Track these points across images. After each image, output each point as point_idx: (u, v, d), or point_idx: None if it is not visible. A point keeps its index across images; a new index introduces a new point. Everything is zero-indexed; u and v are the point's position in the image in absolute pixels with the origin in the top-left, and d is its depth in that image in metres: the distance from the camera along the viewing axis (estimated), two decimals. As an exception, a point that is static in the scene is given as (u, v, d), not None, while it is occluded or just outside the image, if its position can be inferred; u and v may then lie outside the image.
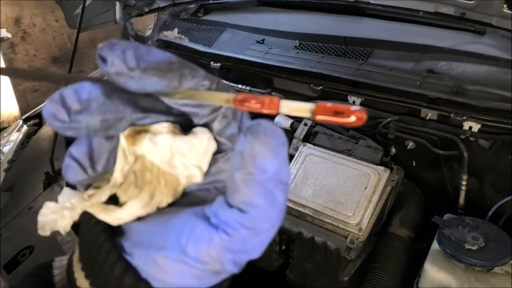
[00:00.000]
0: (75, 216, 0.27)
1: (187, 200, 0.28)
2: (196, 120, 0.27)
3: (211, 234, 0.23)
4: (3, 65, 2.97)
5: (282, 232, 1.17)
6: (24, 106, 3.07)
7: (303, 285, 1.21)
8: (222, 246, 0.23)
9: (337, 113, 0.24)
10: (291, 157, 1.28)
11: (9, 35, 2.95)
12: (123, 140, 0.26)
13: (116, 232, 0.27)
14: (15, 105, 3.10)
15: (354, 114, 0.24)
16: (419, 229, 1.20)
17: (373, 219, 1.10)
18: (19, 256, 1.14)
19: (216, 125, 0.27)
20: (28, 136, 1.57)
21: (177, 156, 0.26)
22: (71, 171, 0.26)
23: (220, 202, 0.24)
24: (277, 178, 0.23)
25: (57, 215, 0.27)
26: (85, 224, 0.27)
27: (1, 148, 1.54)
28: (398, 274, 1.08)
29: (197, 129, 0.27)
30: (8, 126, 1.74)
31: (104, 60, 0.23)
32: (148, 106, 0.26)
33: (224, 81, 0.29)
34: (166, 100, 0.26)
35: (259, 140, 0.24)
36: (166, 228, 0.25)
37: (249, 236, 0.23)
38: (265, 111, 0.25)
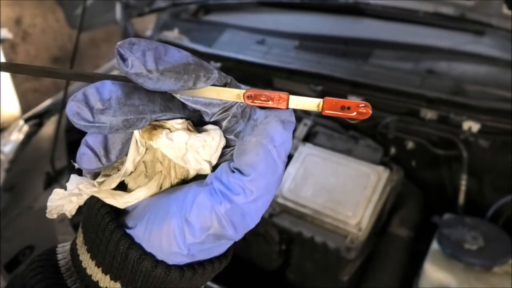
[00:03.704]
0: (82, 201, 0.29)
1: (193, 180, 0.30)
2: (207, 118, 0.29)
3: (213, 198, 0.25)
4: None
5: (282, 232, 1.17)
6: (24, 107, 3.07)
7: (303, 285, 1.21)
8: (224, 210, 0.25)
9: (343, 108, 0.26)
10: (291, 157, 1.28)
11: (10, 36, 2.95)
12: (136, 132, 0.27)
13: (120, 213, 0.29)
14: (16, 105, 3.10)
15: (360, 109, 0.26)
16: (419, 229, 1.20)
17: (372, 218, 1.11)
18: (20, 256, 1.14)
19: (225, 123, 0.29)
20: (28, 136, 1.57)
21: (191, 152, 0.28)
22: (86, 159, 0.27)
23: (224, 167, 0.26)
24: (281, 149, 0.26)
25: (65, 200, 0.28)
26: (89, 209, 0.29)
27: (2, 148, 1.55)
28: (398, 274, 1.09)
29: (209, 127, 0.29)
30: (9, 126, 1.74)
31: (123, 58, 0.24)
32: (165, 102, 0.27)
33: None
34: (179, 96, 0.28)
35: (273, 112, 0.26)
36: (169, 199, 0.27)
37: (249, 199, 0.25)
38: (275, 106, 0.26)
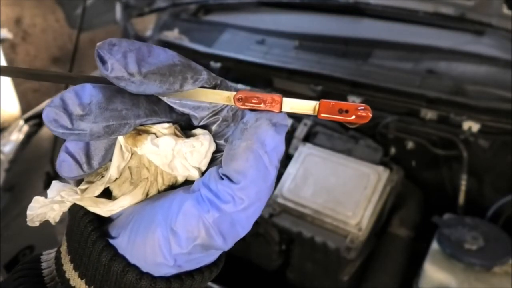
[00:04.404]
0: (65, 208, 0.28)
1: (180, 186, 0.28)
2: (195, 122, 0.27)
3: (200, 206, 0.23)
4: (3, 65, 2.98)
5: (282, 232, 1.17)
6: (24, 107, 3.07)
7: (303, 285, 1.21)
8: (212, 219, 0.23)
9: (341, 111, 0.24)
10: (291, 157, 1.28)
11: (10, 36, 2.95)
12: (121, 138, 0.26)
13: (104, 221, 0.27)
14: (16, 105, 3.10)
15: (359, 112, 0.24)
16: (419, 229, 1.20)
17: (372, 218, 1.11)
18: (20, 256, 1.14)
19: (215, 128, 0.27)
20: (28, 136, 1.57)
21: (178, 158, 0.26)
22: (67, 167, 0.25)
23: (213, 173, 0.24)
24: (273, 154, 0.24)
25: (46, 208, 0.27)
26: (72, 216, 0.27)
27: (2, 148, 1.55)
28: (398, 274, 1.08)
29: (198, 131, 0.27)
30: (9, 126, 1.74)
31: (102, 61, 0.23)
32: (150, 106, 0.25)
33: (228, 82, 0.29)
34: (165, 99, 0.26)
35: (264, 114, 0.24)
36: (154, 207, 0.25)
37: (238, 208, 0.23)
38: (267, 109, 0.25)
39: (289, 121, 1.42)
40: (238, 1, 1.82)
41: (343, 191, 1.15)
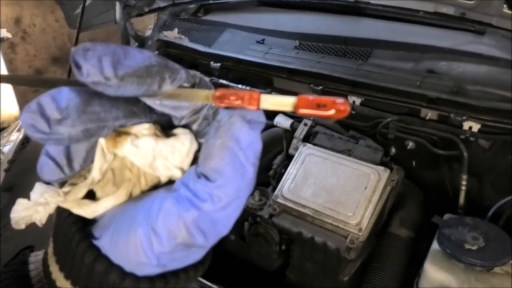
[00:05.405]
0: (50, 210, 0.28)
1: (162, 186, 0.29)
2: (176, 122, 0.27)
3: (180, 206, 0.23)
4: (3, 65, 2.98)
5: (282, 232, 1.17)
6: (24, 107, 3.08)
7: (303, 285, 1.21)
8: (191, 218, 0.23)
9: (319, 106, 0.24)
10: (291, 157, 1.28)
11: (9, 35, 2.95)
12: (102, 140, 0.26)
13: (88, 222, 0.27)
14: (15, 105, 3.10)
15: (337, 107, 0.24)
16: (419, 229, 1.20)
17: (373, 219, 1.10)
18: (20, 256, 1.14)
19: (195, 127, 0.27)
20: (28, 136, 1.57)
21: (159, 159, 0.26)
22: (47, 170, 0.25)
23: (191, 172, 0.25)
24: (249, 151, 0.24)
25: (30, 211, 0.27)
26: (58, 217, 0.27)
27: (1, 148, 1.54)
28: (398, 274, 1.08)
29: (179, 131, 0.27)
30: (8, 126, 1.74)
31: (78, 66, 0.23)
32: (129, 107, 0.25)
33: (207, 78, 0.29)
34: (145, 99, 0.26)
35: (237, 111, 0.24)
36: (136, 207, 0.25)
37: (217, 207, 0.23)
38: (245, 106, 0.24)
39: (289, 123, 1.42)
40: (238, 1, 1.82)
41: (343, 191, 1.15)
